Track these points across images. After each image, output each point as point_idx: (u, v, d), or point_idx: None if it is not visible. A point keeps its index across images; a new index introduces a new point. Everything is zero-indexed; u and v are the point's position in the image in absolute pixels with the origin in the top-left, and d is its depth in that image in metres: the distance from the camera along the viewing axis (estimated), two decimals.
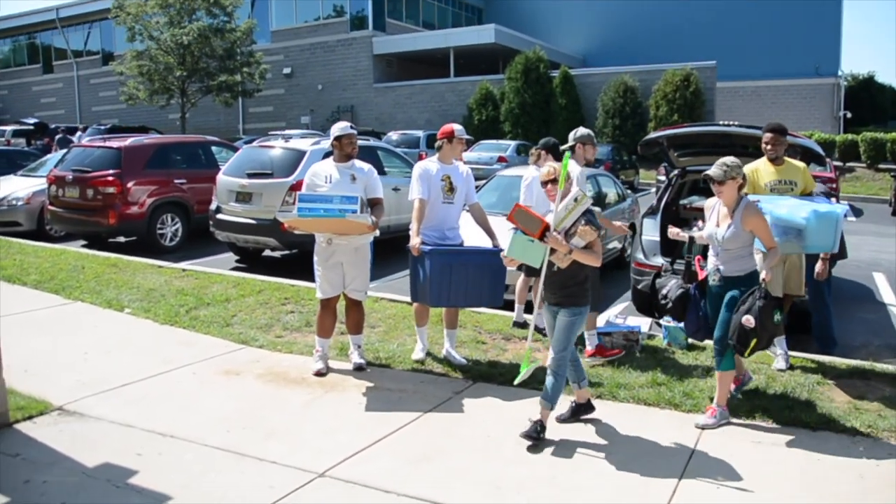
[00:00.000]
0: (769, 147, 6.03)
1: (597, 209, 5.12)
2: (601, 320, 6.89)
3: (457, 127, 6.18)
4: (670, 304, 5.32)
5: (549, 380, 4.62)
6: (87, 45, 47.31)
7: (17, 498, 3.89)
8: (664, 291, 5.42)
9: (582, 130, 6.81)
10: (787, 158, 6.11)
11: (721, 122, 7.96)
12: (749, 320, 4.69)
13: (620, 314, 7.40)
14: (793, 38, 37.10)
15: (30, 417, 4.90)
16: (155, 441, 4.60)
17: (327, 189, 5.75)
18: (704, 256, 5.40)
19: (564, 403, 4.99)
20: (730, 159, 4.98)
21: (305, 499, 3.97)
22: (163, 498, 3.92)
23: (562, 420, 4.94)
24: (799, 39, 37.00)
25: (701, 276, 5.26)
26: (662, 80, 29.39)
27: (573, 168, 6.23)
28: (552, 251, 4.55)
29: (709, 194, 8.92)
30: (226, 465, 4.29)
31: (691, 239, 5.48)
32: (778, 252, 5.04)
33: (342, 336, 6.47)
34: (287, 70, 38.87)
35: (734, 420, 4.98)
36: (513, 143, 25.47)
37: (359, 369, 5.95)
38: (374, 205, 5.84)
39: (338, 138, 5.89)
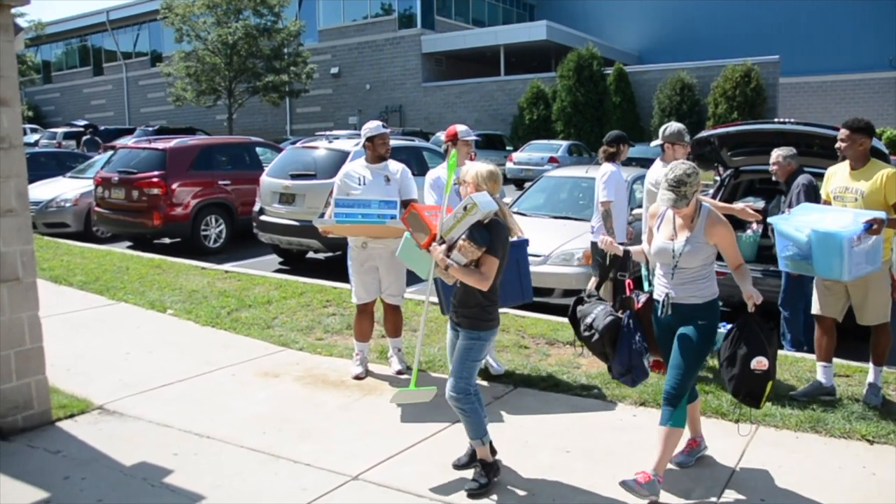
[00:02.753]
0: (840, 146, 5.29)
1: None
2: None
3: (461, 128, 5.90)
4: (597, 336, 4.33)
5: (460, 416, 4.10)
6: (136, 47, 48.24)
7: (56, 493, 3.97)
8: (588, 321, 4.39)
9: (672, 127, 6.14)
10: (874, 160, 5.25)
11: (776, 120, 7.73)
12: (762, 363, 3.87)
13: None
14: (864, 29, 35.67)
15: (71, 416, 4.99)
16: (191, 441, 4.63)
17: (361, 191, 5.66)
18: (638, 280, 4.78)
19: (463, 448, 4.35)
20: (690, 165, 4.00)
21: (338, 501, 3.95)
22: (196, 497, 3.95)
23: (458, 466, 4.29)
24: (871, 30, 35.51)
25: (639, 304, 4.32)
26: (721, 77, 28.61)
27: (656, 172, 6.06)
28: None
29: (766, 195, 8.69)
30: (260, 467, 4.30)
31: (626, 254, 4.57)
32: (746, 271, 3.97)
33: (382, 339, 6.43)
34: (335, 70, 39.11)
35: (785, 431, 4.78)
36: (564, 144, 25.13)
37: (400, 374, 5.89)
38: (406, 207, 5.74)
39: (370, 139, 5.74)
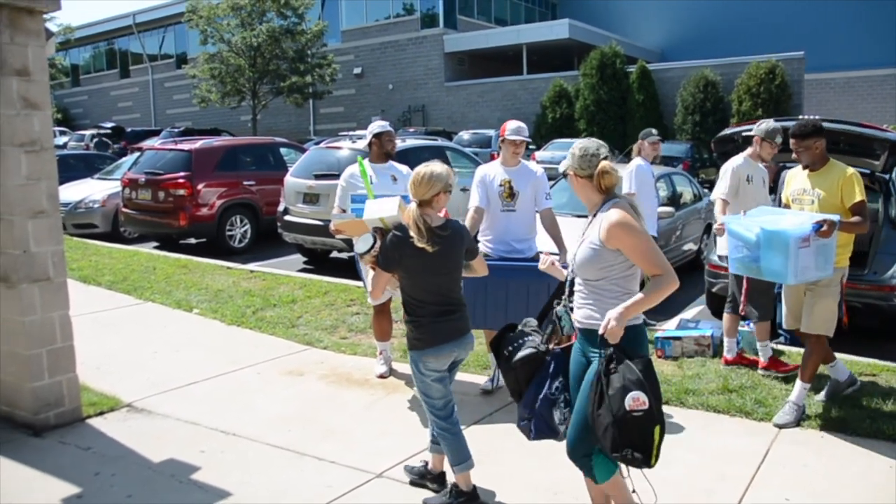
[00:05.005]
0: (794, 156, 5.11)
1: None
2: (672, 323, 6.72)
3: (510, 126, 5.48)
4: (509, 369, 3.49)
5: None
6: (161, 49, 48.62)
7: (87, 489, 4.06)
8: (508, 349, 3.53)
9: (770, 124, 5.88)
10: (833, 161, 5.04)
11: (800, 117, 7.67)
12: (639, 400, 2.98)
13: (693, 318, 7.19)
14: (889, 24, 34.81)
15: (101, 413, 5.09)
16: (218, 439, 4.70)
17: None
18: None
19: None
20: (591, 144, 3.30)
21: (362, 499, 3.99)
22: (223, 494, 4.00)
23: (408, 470, 4.17)
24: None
25: (565, 339, 3.49)
26: (745, 74, 28.22)
27: (741, 169, 5.88)
28: None
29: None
30: (285, 464, 4.35)
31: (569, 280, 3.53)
32: (663, 283, 3.06)
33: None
34: (357, 70, 39.19)
35: (810, 430, 4.74)
36: None
37: None
38: None
39: (377, 135, 5.74)
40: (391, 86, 38.48)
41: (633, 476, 3.82)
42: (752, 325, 6.04)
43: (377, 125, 5.82)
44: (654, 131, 7.34)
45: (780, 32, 35.61)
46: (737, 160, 6.00)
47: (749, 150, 6.03)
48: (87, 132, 31.08)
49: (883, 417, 4.86)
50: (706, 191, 12.19)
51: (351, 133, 17.32)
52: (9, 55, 4.50)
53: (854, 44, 35.30)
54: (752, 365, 5.87)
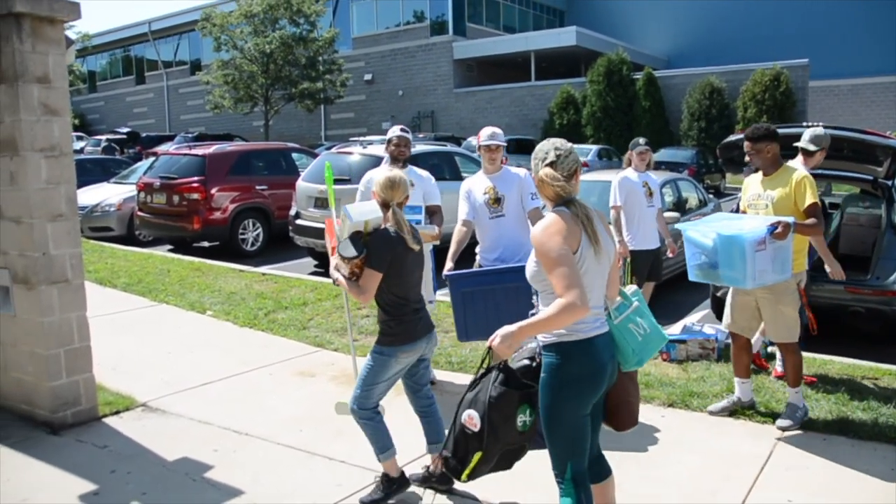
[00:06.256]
0: (747, 160, 5.07)
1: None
2: (677, 328, 6.77)
3: (484, 132, 5.44)
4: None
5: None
6: (176, 56, 49.09)
7: (103, 486, 4.15)
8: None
9: (823, 133, 5.64)
10: (786, 166, 5.01)
11: (804, 124, 7.71)
12: (472, 419, 3.06)
13: (698, 322, 7.25)
14: (893, 31, 35.06)
15: (117, 412, 5.19)
16: (231, 438, 4.78)
17: None
18: None
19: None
20: (542, 146, 3.06)
21: None
22: (236, 492, 4.08)
23: (415, 481, 4.16)
24: None
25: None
26: (750, 81, 28.44)
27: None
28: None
29: None
30: (296, 463, 4.43)
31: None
32: (559, 306, 2.77)
33: None
34: (368, 76, 39.41)
35: (812, 433, 4.80)
36: (594, 148, 25.13)
37: (431, 383, 5.77)
38: (432, 213, 5.64)
39: (388, 141, 5.74)
40: (401, 92, 38.68)
41: (631, 478, 3.91)
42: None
43: (390, 131, 5.81)
44: (641, 141, 7.12)
45: (785, 40, 35.74)
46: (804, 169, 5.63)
47: (812, 162, 5.62)
48: (103, 137, 31.41)
49: (885, 420, 4.91)
50: (711, 196, 12.25)
51: (362, 138, 17.47)
52: (30, 63, 4.63)
53: (858, 51, 35.38)
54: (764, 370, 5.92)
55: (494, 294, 4.84)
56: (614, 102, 30.60)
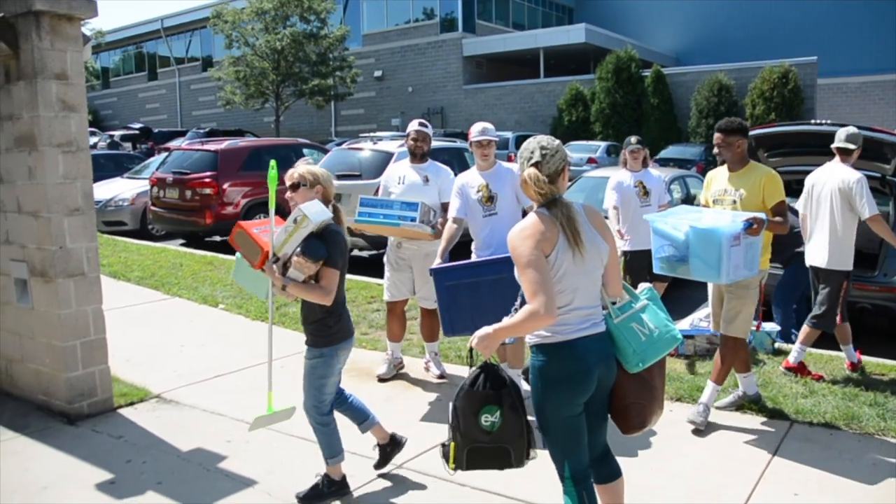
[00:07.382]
0: (716, 151, 5.03)
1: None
2: (685, 323, 6.79)
3: (474, 129, 5.34)
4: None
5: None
6: (188, 53, 49.33)
7: (120, 475, 4.24)
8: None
9: (853, 130, 5.69)
10: (753, 163, 5.02)
11: (812, 122, 7.70)
12: (451, 411, 3.15)
13: (705, 317, 7.28)
14: None
15: (131, 404, 5.29)
16: (243, 429, 4.82)
17: (399, 190, 5.64)
18: None
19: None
20: (527, 145, 3.05)
21: (381, 487, 4.13)
22: (249, 482, 4.16)
23: (377, 466, 4.27)
24: None
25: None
26: (759, 78, 28.34)
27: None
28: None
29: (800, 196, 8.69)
30: (308, 454, 4.46)
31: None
32: (527, 312, 2.80)
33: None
34: (378, 73, 39.47)
35: (819, 428, 4.83)
36: (603, 145, 25.17)
37: (441, 377, 5.89)
38: (446, 209, 5.51)
39: (410, 135, 5.69)
40: (411, 88, 38.72)
41: (638, 471, 3.95)
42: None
43: (409, 125, 5.76)
44: (633, 140, 6.92)
45: (794, 37, 35.58)
46: (856, 173, 5.59)
47: (850, 161, 5.70)
48: (116, 133, 31.62)
49: (891, 416, 4.94)
50: None
51: (372, 134, 17.59)
52: (49, 60, 4.71)
53: (867, 49, 35.21)
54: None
55: (479, 287, 4.79)
56: (623, 99, 30.55)
